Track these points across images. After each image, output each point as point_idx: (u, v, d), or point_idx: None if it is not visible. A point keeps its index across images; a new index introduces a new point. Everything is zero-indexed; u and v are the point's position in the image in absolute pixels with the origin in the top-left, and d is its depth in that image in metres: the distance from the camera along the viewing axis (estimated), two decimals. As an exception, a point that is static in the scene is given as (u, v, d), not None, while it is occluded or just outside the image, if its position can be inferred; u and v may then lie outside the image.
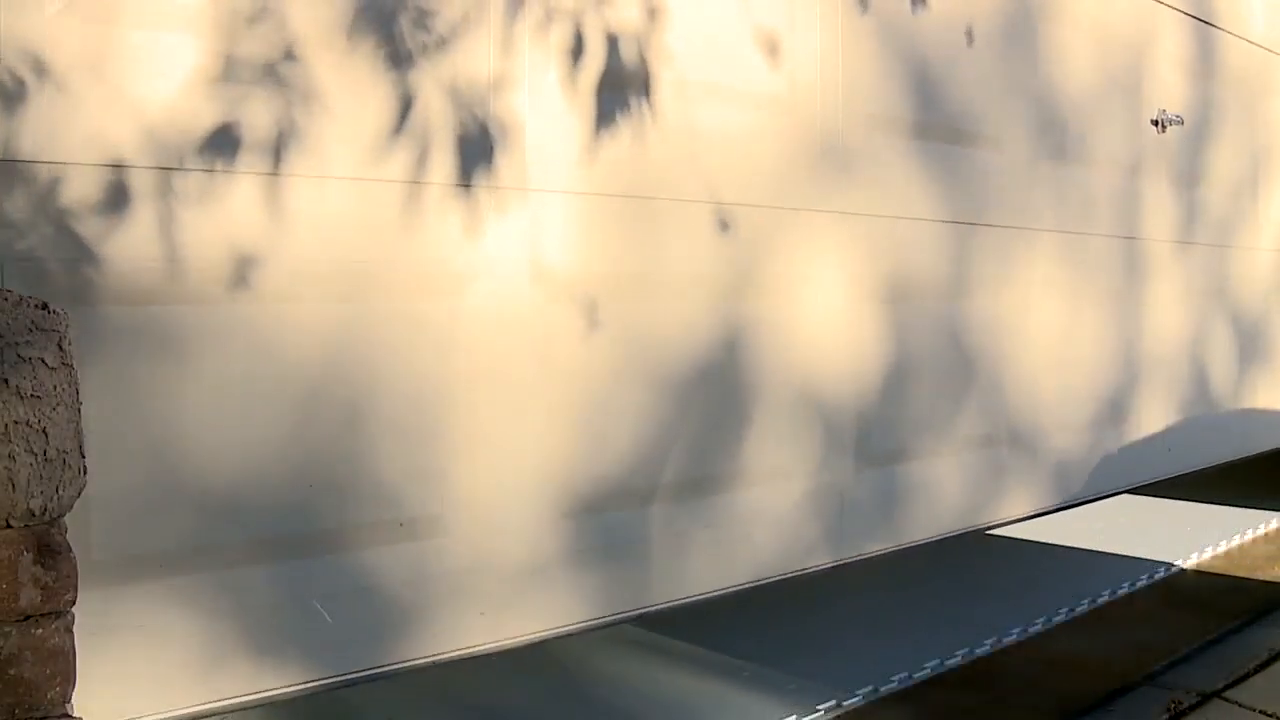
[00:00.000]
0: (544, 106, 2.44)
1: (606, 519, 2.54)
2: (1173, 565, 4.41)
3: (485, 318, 2.34)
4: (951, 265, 3.34)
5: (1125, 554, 4.57)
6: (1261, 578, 4.29)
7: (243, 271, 2.03)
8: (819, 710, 2.97)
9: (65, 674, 1.71)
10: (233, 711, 2.08)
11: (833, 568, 2.98)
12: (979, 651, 3.42)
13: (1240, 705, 3.03)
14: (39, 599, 1.67)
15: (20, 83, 1.82)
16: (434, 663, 2.33)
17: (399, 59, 2.21)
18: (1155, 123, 4.08)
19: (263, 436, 2.07)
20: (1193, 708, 3.00)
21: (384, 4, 2.19)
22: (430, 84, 2.25)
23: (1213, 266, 4.42)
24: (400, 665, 2.32)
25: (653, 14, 2.63)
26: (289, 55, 2.07)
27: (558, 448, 2.46)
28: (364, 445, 2.18)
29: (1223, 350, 4.45)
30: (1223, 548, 4.69)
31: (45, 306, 1.68)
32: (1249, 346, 4.60)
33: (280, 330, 2.08)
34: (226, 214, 2.01)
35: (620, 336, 2.56)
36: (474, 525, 2.34)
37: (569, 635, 2.52)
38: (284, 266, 2.07)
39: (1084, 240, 3.87)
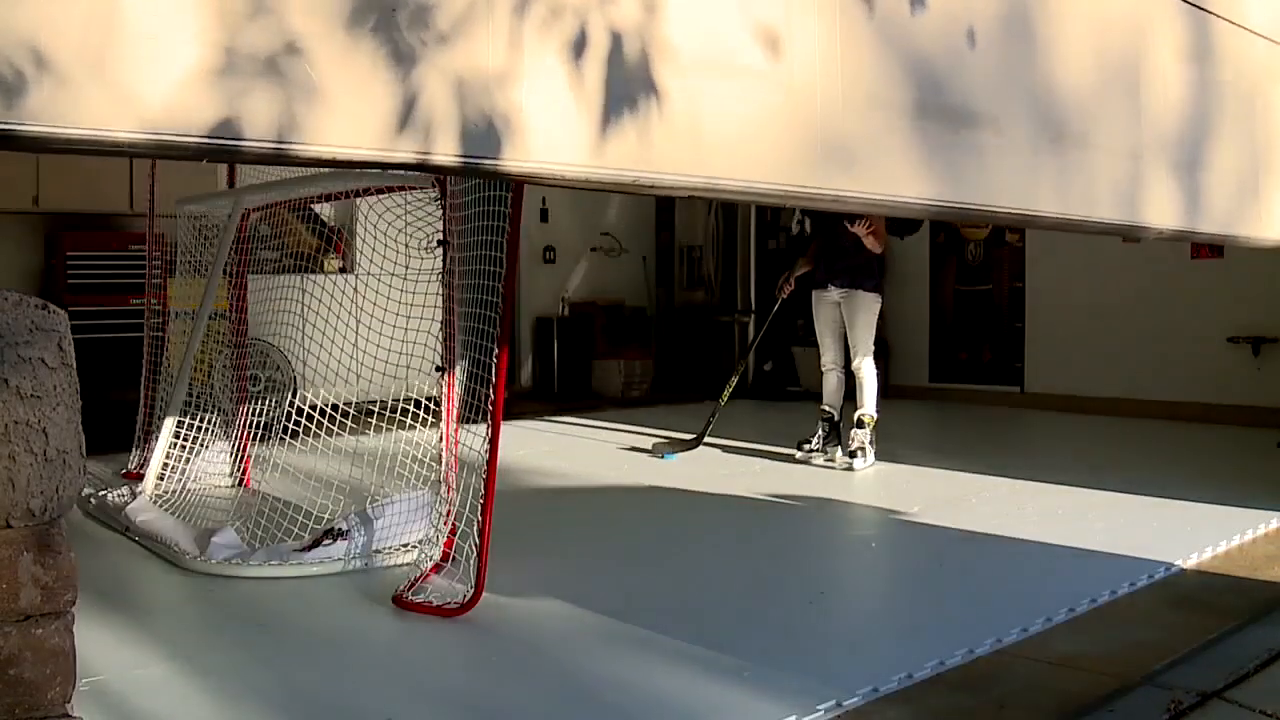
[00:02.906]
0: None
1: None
2: (1173, 565, 4.41)
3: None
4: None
5: (1125, 554, 4.57)
6: (1261, 578, 4.29)
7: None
8: (819, 710, 2.97)
9: (65, 674, 1.72)
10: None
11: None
12: (979, 651, 3.42)
13: (1240, 705, 3.03)
14: (39, 599, 1.68)
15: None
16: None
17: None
18: None
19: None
20: (1193, 708, 3.00)
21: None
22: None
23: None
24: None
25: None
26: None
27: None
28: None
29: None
30: (1223, 548, 4.69)
31: (45, 306, 1.68)
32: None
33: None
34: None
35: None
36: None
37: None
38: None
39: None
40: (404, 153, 2.23)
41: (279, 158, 2.14)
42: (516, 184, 3.83)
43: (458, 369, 4.40)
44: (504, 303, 3.90)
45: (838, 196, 3.20)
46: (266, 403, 6.02)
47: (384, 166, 2.28)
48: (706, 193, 2.87)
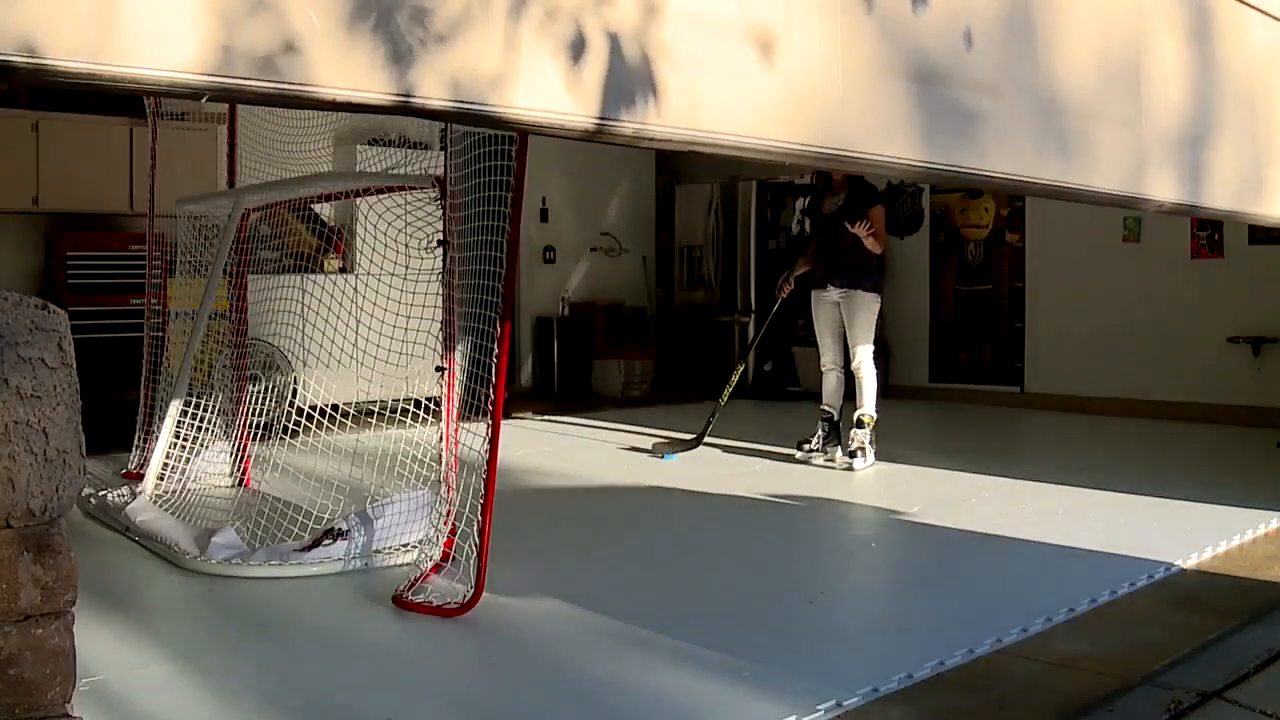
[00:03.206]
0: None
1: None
2: (1173, 565, 4.41)
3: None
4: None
5: (1125, 554, 4.57)
6: (1261, 578, 4.29)
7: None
8: (819, 710, 2.97)
9: (65, 674, 1.72)
10: None
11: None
12: (979, 651, 3.42)
13: (1240, 705, 3.03)
14: (39, 599, 1.68)
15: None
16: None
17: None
18: None
19: None
20: (1193, 708, 3.00)
21: None
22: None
23: None
24: None
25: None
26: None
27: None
28: None
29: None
30: (1223, 548, 4.69)
31: (45, 306, 1.68)
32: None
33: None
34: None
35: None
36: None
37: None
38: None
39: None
40: (418, 100, 2.23)
41: (280, 98, 2.12)
42: (517, 183, 3.83)
43: (458, 369, 4.40)
44: (504, 302, 3.90)
45: (836, 156, 3.20)
46: (266, 403, 6.01)
47: (385, 111, 2.27)
48: (707, 148, 2.86)
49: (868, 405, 6.80)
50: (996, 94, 3.56)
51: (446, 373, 4.33)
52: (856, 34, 3.13)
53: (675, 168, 12.44)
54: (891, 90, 3.27)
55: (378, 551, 4.44)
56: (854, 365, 6.86)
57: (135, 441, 6.43)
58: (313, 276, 6.25)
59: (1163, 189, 4.27)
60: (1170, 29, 4.24)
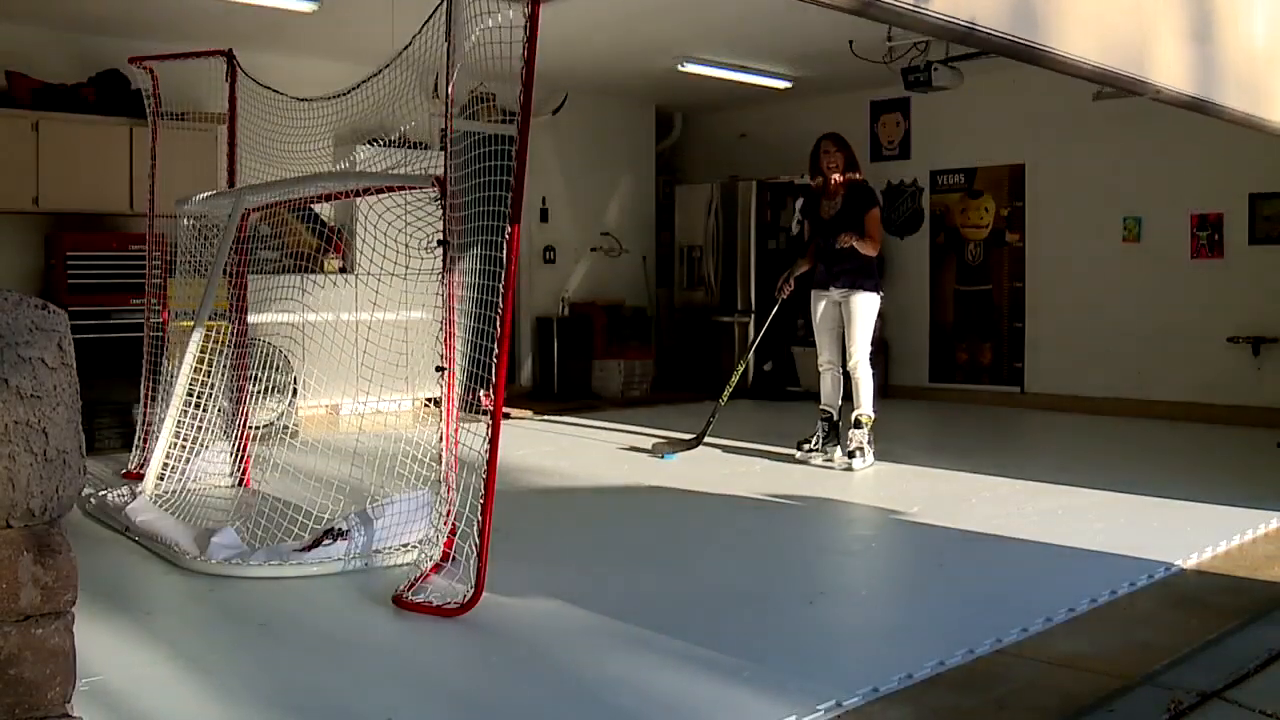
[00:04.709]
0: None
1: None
2: (1173, 565, 4.41)
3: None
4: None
5: (1125, 554, 4.57)
6: (1261, 578, 4.29)
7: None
8: (819, 710, 2.97)
9: (65, 674, 1.72)
10: None
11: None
12: (979, 651, 3.42)
13: (1240, 705, 3.03)
14: (39, 599, 1.68)
15: None
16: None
17: None
18: None
19: None
20: (1193, 708, 3.00)
21: None
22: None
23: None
24: None
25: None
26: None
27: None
28: None
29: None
30: (1223, 548, 4.69)
31: (45, 306, 1.68)
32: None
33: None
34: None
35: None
36: None
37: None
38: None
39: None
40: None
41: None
42: (517, 183, 3.82)
43: (458, 369, 4.39)
44: (504, 302, 3.90)
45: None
46: (266, 403, 6.00)
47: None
48: None
49: (865, 405, 6.80)
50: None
51: (446, 373, 4.33)
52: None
53: (675, 167, 12.44)
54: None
55: (378, 551, 4.44)
56: (850, 365, 6.86)
57: (135, 441, 6.43)
58: (313, 276, 6.24)
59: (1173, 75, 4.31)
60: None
